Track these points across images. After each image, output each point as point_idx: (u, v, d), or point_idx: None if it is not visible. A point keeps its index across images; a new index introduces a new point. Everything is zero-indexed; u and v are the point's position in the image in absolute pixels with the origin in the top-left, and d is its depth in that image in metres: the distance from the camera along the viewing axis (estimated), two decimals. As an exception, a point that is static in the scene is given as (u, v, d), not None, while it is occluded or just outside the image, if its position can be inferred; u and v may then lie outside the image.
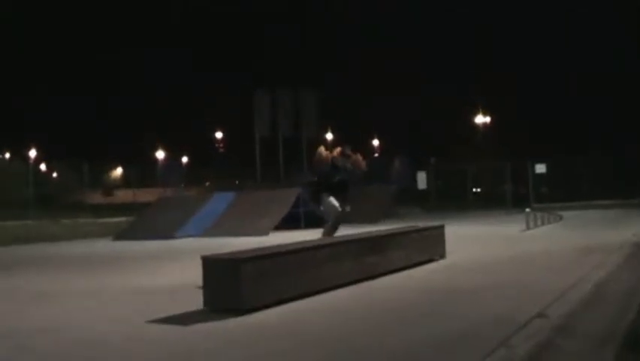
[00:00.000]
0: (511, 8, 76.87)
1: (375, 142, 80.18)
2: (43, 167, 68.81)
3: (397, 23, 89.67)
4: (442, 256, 13.09)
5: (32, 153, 72.09)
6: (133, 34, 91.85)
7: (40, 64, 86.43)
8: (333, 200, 13.05)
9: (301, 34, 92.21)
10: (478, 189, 51.47)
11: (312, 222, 25.51)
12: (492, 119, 60.48)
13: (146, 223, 26.53)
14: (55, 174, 67.69)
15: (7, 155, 73.09)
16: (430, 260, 12.58)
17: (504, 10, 79.35)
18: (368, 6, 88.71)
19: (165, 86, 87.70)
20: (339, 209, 13.00)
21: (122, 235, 25.30)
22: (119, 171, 79.63)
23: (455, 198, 46.21)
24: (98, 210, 44.13)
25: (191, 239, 22.65)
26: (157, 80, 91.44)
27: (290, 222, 25.20)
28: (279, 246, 9.73)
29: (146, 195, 46.78)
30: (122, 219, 32.54)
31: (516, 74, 74.96)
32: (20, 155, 68.29)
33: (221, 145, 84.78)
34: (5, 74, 76.41)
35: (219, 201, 27.62)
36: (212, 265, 8.23)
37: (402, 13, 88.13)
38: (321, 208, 13.37)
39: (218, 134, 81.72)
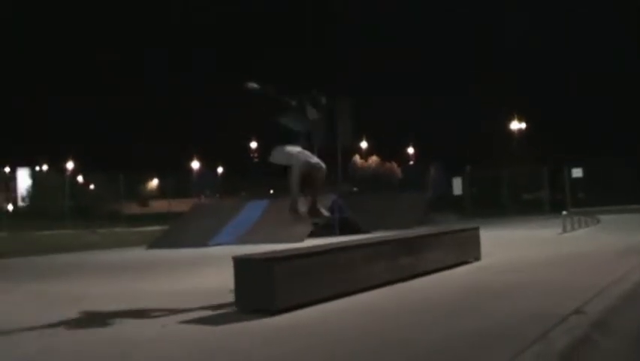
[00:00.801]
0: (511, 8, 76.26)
1: (411, 150, 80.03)
2: (80, 179, 69.36)
3: (398, 23, 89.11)
4: (478, 258, 12.94)
5: (70, 165, 72.81)
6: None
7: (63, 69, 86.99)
8: (286, 149, 9.37)
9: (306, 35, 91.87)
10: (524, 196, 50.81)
11: (347, 229, 25.51)
12: (527, 125, 60.13)
13: (179, 232, 26.57)
14: (92, 186, 68.24)
15: (45, 167, 73.82)
16: (465, 262, 12.44)
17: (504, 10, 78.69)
18: (368, 6, 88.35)
19: (199, 94, 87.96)
20: (299, 155, 9.25)
21: (156, 243, 25.34)
22: (154, 182, 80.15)
23: (491, 204, 45.85)
24: (134, 220, 44.35)
25: (224, 246, 22.62)
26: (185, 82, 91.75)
27: (325, 229, 25.10)
28: (311, 247, 9.68)
29: (181, 205, 46.94)
30: (157, 228, 32.65)
31: (516, 74, 74.61)
32: (58, 167, 69.02)
33: (256, 155, 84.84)
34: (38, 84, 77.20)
35: (253, 209, 27.57)
36: (243, 266, 8.17)
37: (402, 13, 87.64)
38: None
39: (253, 144, 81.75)
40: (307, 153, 9.48)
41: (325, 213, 10.06)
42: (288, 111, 9.46)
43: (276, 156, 9.44)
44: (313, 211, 9.86)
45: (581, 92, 70.56)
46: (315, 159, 9.47)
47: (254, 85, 9.23)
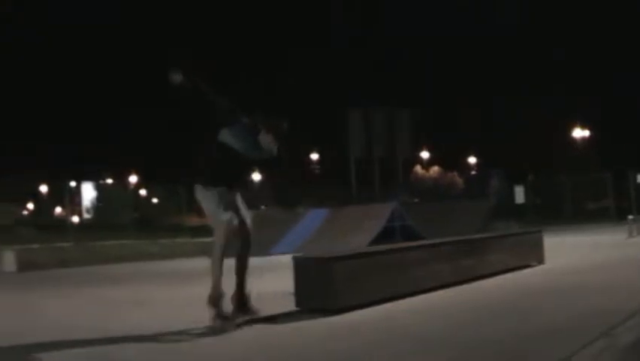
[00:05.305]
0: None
1: (472, 160, 79.48)
2: (143, 192, 70.25)
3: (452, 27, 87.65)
4: (541, 261, 12.77)
5: (133, 179, 73.82)
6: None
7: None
8: (219, 203, 7.31)
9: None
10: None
11: (408, 237, 25.35)
12: (591, 133, 59.29)
13: (240, 241, 26.68)
14: (155, 200, 69.07)
15: (109, 181, 75.02)
16: (528, 266, 12.28)
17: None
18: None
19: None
20: (234, 221, 7.32)
21: (217, 252, 25.48)
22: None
23: (554, 212, 45.24)
24: (195, 231, 44.59)
25: (284, 255, 22.67)
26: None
27: (385, 237, 25.00)
28: (371, 247, 9.64)
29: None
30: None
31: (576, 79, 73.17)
32: (121, 181, 70.03)
33: (317, 166, 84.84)
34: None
35: (314, 218, 27.59)
36: (303, 265, 8.16)
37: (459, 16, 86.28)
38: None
39: (314, 156, 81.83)
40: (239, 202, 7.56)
41: (255, 309, 7.59)
42: (236, 126, 7.34)
43: (201, 197, 7.45)
44: (240, 304, 7.53)
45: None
46: (246, 217, 7.56)
47: (179, 76, 7.30)
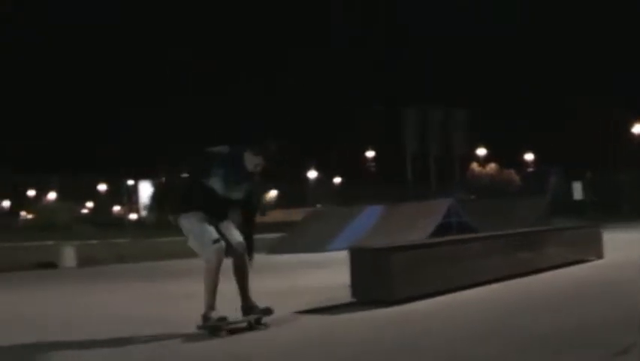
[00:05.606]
0: None
1: (530, 156, 78.70)
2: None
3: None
4: (600, 256, 12.62)
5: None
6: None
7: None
8: (202, 223, 7.08)
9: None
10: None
11: (464, 233, 25.16)
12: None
13: (298, 237, 26.71)
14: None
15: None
16: (587, 260, 12.15)
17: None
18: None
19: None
20: (220, 243, 7.05)
21: (275, 248, 25.52)
22: (273, 193, 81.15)
23: (613, 208, 44.63)
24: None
25: (340, 251, 22.67)
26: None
27: (442, 233, 24.85)
28: (428, 238, 9.60)
29: (299, 214, 47.33)
30: (276, 235, 33.02)
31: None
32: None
33: (373, 164, 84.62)
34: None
35: (370, 215, 27.54)
36: (359, 256, 8.17)
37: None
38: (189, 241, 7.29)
39: (370, 153, 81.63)
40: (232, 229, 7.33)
41: (262, 307, 7.28)
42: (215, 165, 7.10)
43: (180, 223, 7.22)
44: (247, 310, 7.31)
45: None
46: (234, 238, 7.28)
47: None
